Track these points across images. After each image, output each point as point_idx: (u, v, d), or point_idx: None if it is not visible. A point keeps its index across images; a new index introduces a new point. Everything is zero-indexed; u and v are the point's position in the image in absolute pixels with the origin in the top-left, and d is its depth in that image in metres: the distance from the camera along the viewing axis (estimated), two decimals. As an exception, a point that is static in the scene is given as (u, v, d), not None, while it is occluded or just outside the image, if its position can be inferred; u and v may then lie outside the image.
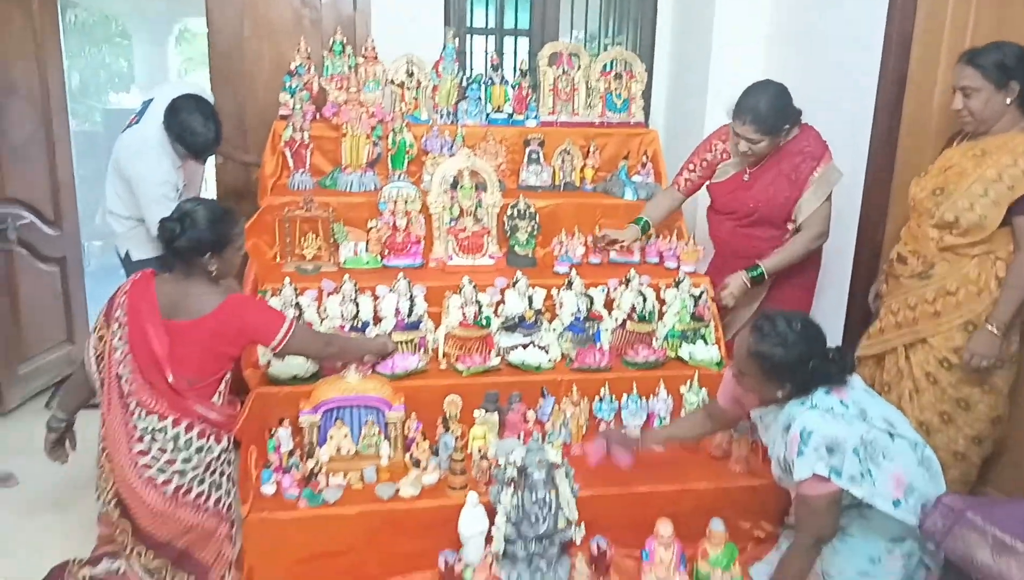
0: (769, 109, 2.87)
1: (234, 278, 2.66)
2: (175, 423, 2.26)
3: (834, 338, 2.87)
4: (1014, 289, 2.45)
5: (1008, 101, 2.47)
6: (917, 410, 2.67)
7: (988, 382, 2.59)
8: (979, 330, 2.51)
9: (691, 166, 3.27)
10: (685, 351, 3.03)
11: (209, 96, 3.48)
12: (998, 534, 1.92)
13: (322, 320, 2.82)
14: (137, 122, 3.22)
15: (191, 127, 3.14)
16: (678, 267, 3.27)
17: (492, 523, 2.43)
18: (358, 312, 2.83)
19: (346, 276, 2.88)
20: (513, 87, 3.73)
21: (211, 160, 3.77)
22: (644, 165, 3.66)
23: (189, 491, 2.30)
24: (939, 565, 2.32)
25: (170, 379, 2.21)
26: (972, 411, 2.62)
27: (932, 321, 2.62)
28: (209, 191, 4.59)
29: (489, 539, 2.43)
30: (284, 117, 3.45)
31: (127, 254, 3.33)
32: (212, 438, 2.35)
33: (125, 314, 2.24)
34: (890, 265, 2.81)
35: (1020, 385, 2.66)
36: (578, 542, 2.49)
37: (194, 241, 2.26)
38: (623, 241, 3.25)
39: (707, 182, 3.26)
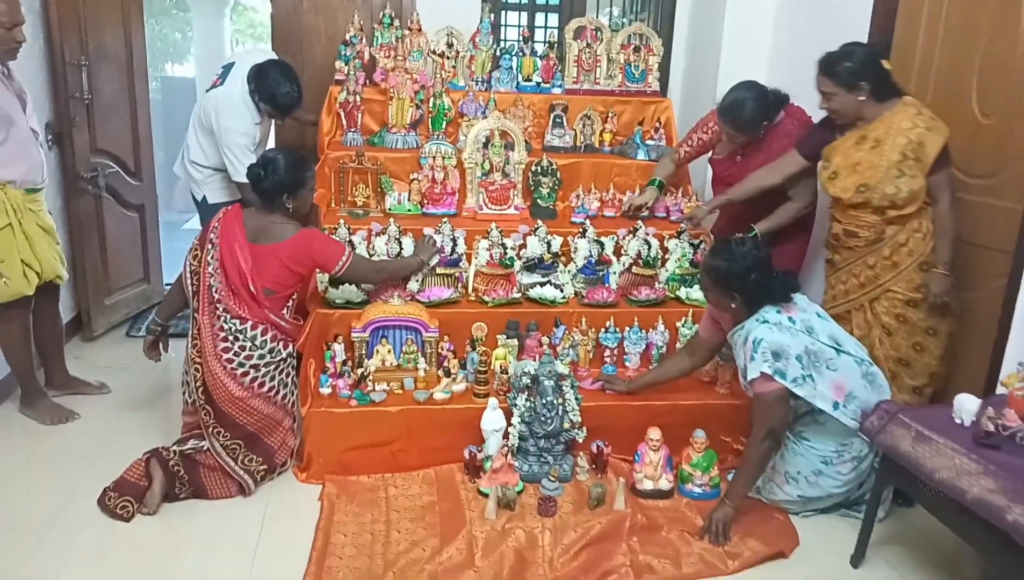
0: (745, 113, 3.27)
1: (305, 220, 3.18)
2: (253, 326, 2.79)
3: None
4: (945, 233, 2.87)
5: (861, 98, 2.89)
6: (893, 349, 3.05)
7: (947, 308, 2.99)
8: (932, 274, 2.91)
9: (689, 142, 3.70)
10: (683, 292, 3.47)
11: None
12: (919, 428, 2.34)
13: (371, 256, 3.30)
14: (221, 83, 3.68)
15: (280, 88, 3.58)
16: (681, 220, 3.69)
17: (509, 423, 2.91)
18: (401, 249, 3.30)
19: (391, 220, 3.36)
20: (542, 58, 4.15)
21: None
22: (657, 130, 4.07)
23: (263, 384, 2.83)
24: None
25: (252, 288, 2.73)
26: (938, 335, 3.01)
27: (892, 271, 3.00)
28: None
29: (506, 436, 2.91)
30: (339, 82, 3.93)
31: (204, 198, 3.84)
32: (280, 343, 2.88)
33: (218, 237, 2.79)
34: (836, 239, 3.15)
35: (973, 316, 3.06)
36: (581, 442, 2.96)
37: (275, 183, 2.83)
38: (647, 203, 3.67)
39: (706, 155, 3.68)
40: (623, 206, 3.74)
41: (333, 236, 3.24)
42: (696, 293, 3.45)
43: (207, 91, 3.73)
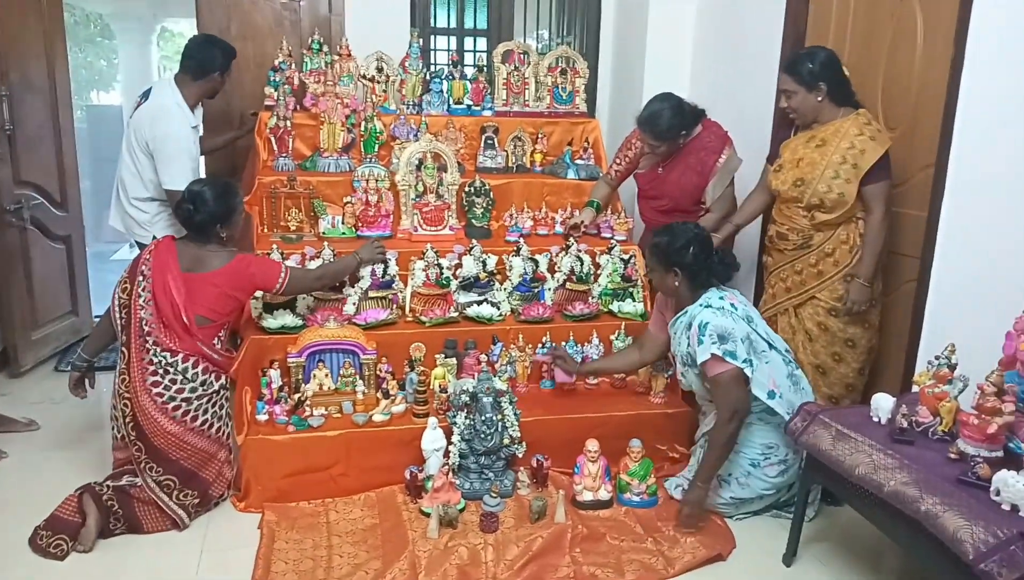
0: (663, 122, 3.41)
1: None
2: (184, 358, 2.76)
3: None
4: (871, 246, 3.00)
5: (820, 99, 3.05)
6: (811, 355, 3.19)
7: (867, 321, 3.13)
8: (852, 283, 3.05)
9: (617, 161, 3.84)
10: (615, 306, 3.56)
11: None
12: (839, 427, 2.45)
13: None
14: (146, 101, 3.63)
15: (216, 44, 3.70)
16: (612, 237, 3.79)
17: (449, 442, 2.94)
18: (336, 273, 3.31)
19: (325, 243, 3.36)
20: (471, 81, 4.23)
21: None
22: (586, 150, 4.17)
23: (196, 418, 2.80)
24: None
25: (185, 319, 2.71)
26: (857, 347, 3.15)
27: (817, 279, 3.14)
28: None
29: (446, 455, 2.93)
30: (269, 108, 3.93)
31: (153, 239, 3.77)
32: (212, 375, 2.85)
33: (151, 269, 2.77)
34: (771, 241, 3.31)
35: (889, 322, 3.21)
36: (520, 457, 3.01)
37: (207, 216, 2.84)
38: (585, 222, 3.76)
39: (633, 172, 3.80)
40: (567, 220, 3.81)
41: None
42: (628, 306, 3.54)
43: (131, 115, 3.69)
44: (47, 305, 4.31)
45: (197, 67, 3.66)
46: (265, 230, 3.64)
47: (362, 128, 3.91)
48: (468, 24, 5.06)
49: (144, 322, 2.74)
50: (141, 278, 2.78)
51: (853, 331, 3.13)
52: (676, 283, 2.89)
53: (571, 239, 3.62)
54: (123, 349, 2.78)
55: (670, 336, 3.08)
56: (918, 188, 3.10)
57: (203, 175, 3.86)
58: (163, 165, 3.52)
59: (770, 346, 2.85)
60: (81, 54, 10.66)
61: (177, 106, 3.61)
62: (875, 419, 2.49)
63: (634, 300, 3.61)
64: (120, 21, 9.39)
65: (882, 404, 2.48)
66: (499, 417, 2.93)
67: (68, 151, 4.44)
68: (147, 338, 2.74)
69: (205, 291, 2.81)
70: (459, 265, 3.47)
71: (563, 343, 3.37)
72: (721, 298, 2.83)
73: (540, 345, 3.36)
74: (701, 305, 2.83)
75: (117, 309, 2.81)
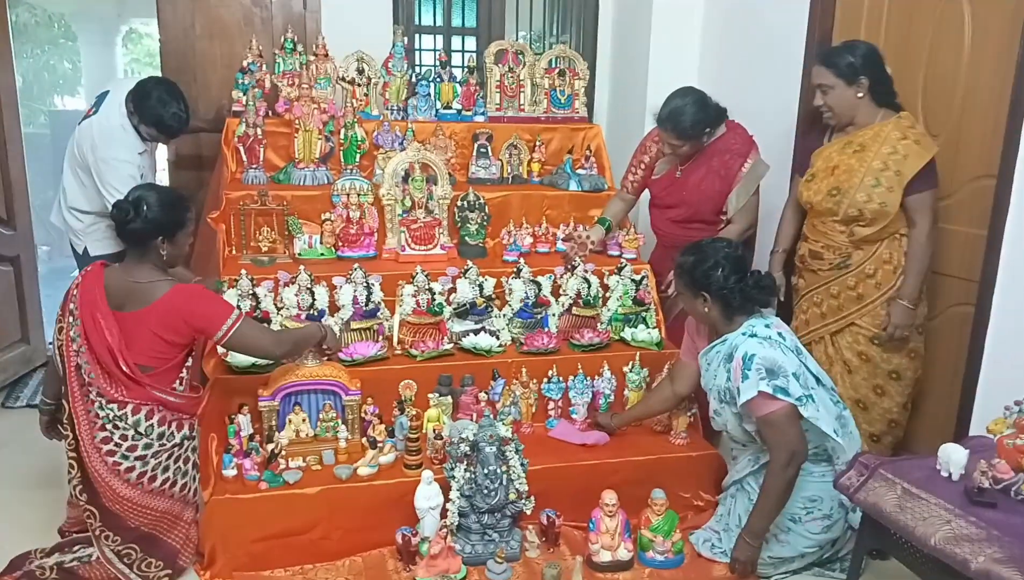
0: (687, 119, 3.04)
1: (185, 267, 2.75)
2: (135, 410, 2.35)
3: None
4: (916, 263, 2.69)
5: (860, 95, 2.72)
6: (852, 389, 2.86)
7: (912, 349, 2.80)
8: (894, 305, 2.72)
9: (633, 169, 3.46)
10: (628, 333, 3.19)
11: None
12: (905, 485, 2.10)
13: (279, 309, 2.90)
14: (95, 112, 3.28)
15: (166, 109, 3.26)
16: (620, 255, 3.43)
17: (446, 498, 2.56)
18: (314, 301, 2.92)
19: (301, 267, 2.97)
20: (461, 84, 3.85)
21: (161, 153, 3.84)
22: (588, 158, 3.81)
23: (154, 478, 2.40)
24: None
25: (123, 367, 2.29)
26: (902, 379, 2.83)
27: (857, 304, 2.81)
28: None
29: (444, 513, 2.55)
30: (237, 114, 3.52)
31: (85, 250, 3.38)
32: (174, 425, 2.45)
33: (78, 306, 2.33)
34: (802, 261, 2.98)
35: (936, 351, 2.89)
36: (529, 513, 2.64)
37: (147, 224, 2.36)
38: (593, 240, 3.36)
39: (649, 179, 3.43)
40: (565, 239, 3.41)
41: (231, 290, 2.83)
42: (642, 334, 3.18)
43: (79, 123, 3.29)
44: (-9, 334, 3.88)
45: (138, 109, 3.29)
46: (233, 252, 3.24)
47: (342, 136, 3.51)
48: (456, 22, 4.68)
49: (82, 370, 2.32)
50: (71, 318, 2.35)
51: (898, 362, 2.80)
52: (706, 309, 2.55)
53: (576, 259, 3.24)
54: (63, 401, 2.36)
55: (699, 364, 2.74)
56: (967, 202, 2.78)
57: None
58: (105, 188, 3.19)
59: (818, 382, 2.50)
60: (43, 56, 10.15)
61: (122, 129, 3.27)
62: (944, 474, 2.14)
63: (648, 326, 3.24)
64: (82, 22, 8.91)
65: (953, 457, 2.13)
66: (504, 469, 2.56)
67: (15, 163, 3.99)
68: (89, 389, 2.32)
69: (140, 334, 2.35)
70: (453, 289, 3.09)
71: (572, 377, 3.00)
72: (767, 326, 2.49)
73: (546, 379, 2.99)
74: (744, 334, 2.47)
75: (55, 352, 2.39)
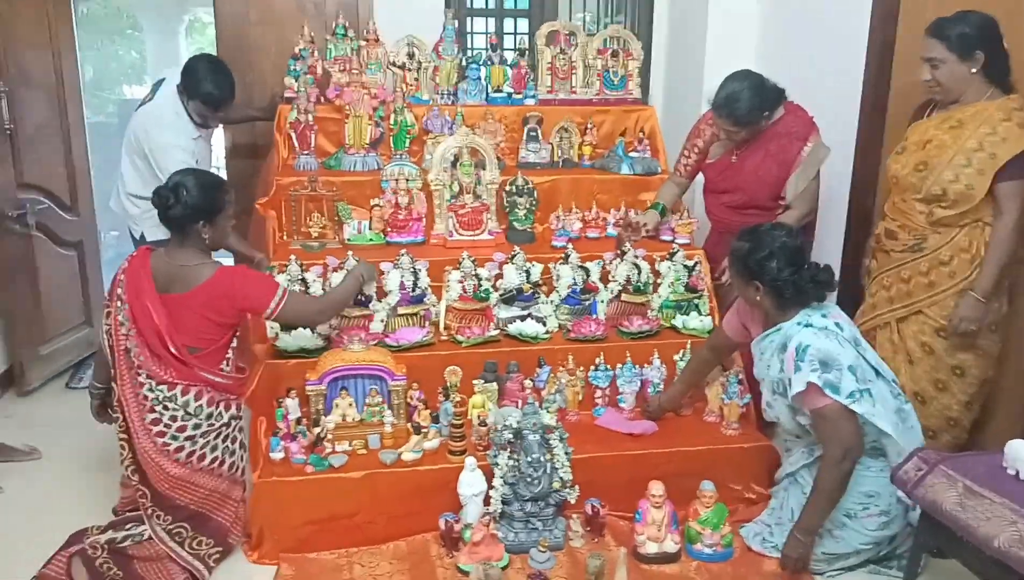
0: (743, 104, 2.93)
1: (243, 240, 2.80)
2: (184, 391, 2.38)
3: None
4: (996, 255, 2.52)
5: (973, 71, 2.53)
6: (911, 381, 2.73)
7: (981, 347, 2.65)
8: (964, 296, 2.57)
9: (686, 152, 3.36)
10: (679, 321, 3.11)
11: None
12: (967, 483, 2.00)
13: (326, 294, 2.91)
14: (151, 99, 3.35)
15: (205, 82, 3.33)
16: (673, 240, 3.34)
17: (490, 485, 2.54)
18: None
19: (350, 252, 2.98)
20: (512, 66, 3.79)
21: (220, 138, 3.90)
22: (641, 141, 3.72)
23: (203, 457, 2.44)
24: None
25: (172, 350, 2.33)
26: (966, 377, 2.69)
27: (927, 291, 2.67)
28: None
29: (487, 500, 2.54)
30: (289, 100, 3.55)
31: (142, 236, 3.45)
32: (221, 405, 2.48)
33: (125, 292, 2.37)
34: (878, 240, 2.85)
35: (1008, 348, 2.72)
36: (573, 502, 2.60)
37: (188, 208, 2.38)
38: (648, 226, 3.28)
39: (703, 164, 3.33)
40: (625, 218, 3.32)
41: (281, 274, 2.86)
42: (693, 321, 3.10)
43: (136, 109, 3.36)
44: (57, 317, 4.00)
45: (185, 87, 3.37)
46: (284, 237, 3.27)
47: (391, 121, 3.50)
48: (508, 4, 4.62)
49: (131, 353, 2.36)
50: (119, 303, 2.38)
51: (963, 357, 2.66)
52: (759, 298, 2.46)
53: (627, 244, 3.17)
54: (114, 384, 2.41)
55: (745, 344, 2.68)
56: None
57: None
58: (162, 174, 3.23)
59: (877, 374, 2.39)
60: (111, 47, 10.45)
61: (175, 115, 3.35)
62: (1011, 472, 2.03)
63: (700, 313, 3.16)
64: (147, 12, 9.13)
65: (1022, 454, 2.01)
66: (548, 457, 2.52)
67: (78, 150, 4.11)
68: (138, 372, 2.37)
69: (186, 316, 2.38)
70: (500, 275, 3.06)
71: (619, 366, 2.94)
72: (824, 317, 2.39)
73: (593, 367, 2.94)
74: (800, 323, 2.38)
75: (104, 337, 2.44)
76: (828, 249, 3.41)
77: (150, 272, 2.39)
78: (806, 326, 2.36)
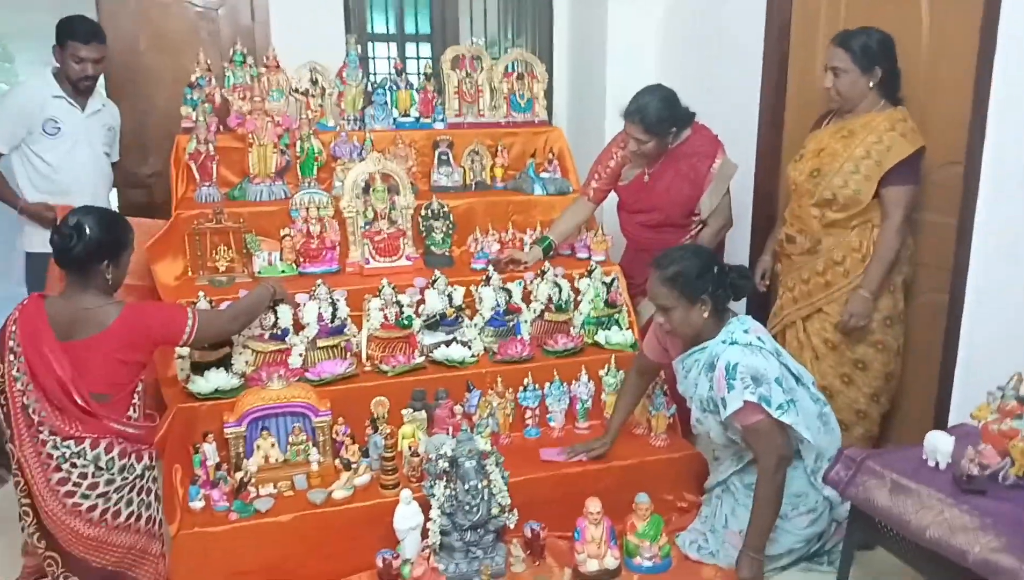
0: (655, 112, 2.99)
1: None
2: (93, 445, 2.20)
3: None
4: (881, 255, 2.69)
5: (871, 84, 2.70)
6: (819, 375, 2.84)
7: (881, 341, 2.79)
8: (853, 294, 2.72)
9: (596, 175, 3.36)
10: (601, 336, 3.14)
11: None
12: (895, 477, 2.08)
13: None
14: None
15: (74, 18, 3.38)
16: (589, 257, 3.37)
17: (427, 517, 2.47)
18: (277, 320, 2.81)
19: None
20: (418, 91, 3.76)
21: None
22: (551, 162, 3.74)
23: (118, 513, 2.26)
24: (846, 514, 2.51)
25: (78, 400, 2.16)
26: (869, 370, 2.83)
27: (824, 290, 2.82)
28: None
29: (425, 533, 2.46)
30: (187, 130, 3.39)
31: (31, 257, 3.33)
32: (133, 456, 2.31)
33: (19, 344, 2.18)
34: (780, 246, 2.99)
35: (908, 343, 2.88)
36: (512, 527, 2.56)
37: (92, 247, 2.22)
38: (526, 262, 3.25)
39: (614, 187, 3.36)
40: (500, 256, 3.27)
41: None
42: (616, 336, 3.13)
43: None
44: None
45: (57, 39, 3.42)
46: (189, 273, 3.11)
47: (297, 149, 3.40)
48: (409, 29, 4.59)
49: (30, 410, 2.16)
50: (12, 356, 2.18)
51: (863, 351, 2.81)
52: (705, 314, 2.47)
53: (547, 265, 3.17)
54: (10, 446, 2.20)
55: (667, 363, 2.71)
56: (935, 190, 2.78)
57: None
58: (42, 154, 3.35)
59: (797, 381, 2.47)
60: (-22, 80, 9.79)
61: (36, 76, 3.52)
62: (931, 463, 2.13)
63: (621, 327, 3.19)
64: (18, 41, 8.60)
65: (940, 445, 2.11)
66: (484, 483, 2.47)
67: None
68: (39, 429, 2.16)
69: (94, 362, 2.21)
70: (421, 301, 3.00)
71: (548, 384, 2.94)
72: (746, 332, 2.44)
73: (522, 388, 2.92)
74: (724, 341, 2.42)
75: None
76: (736, 255, 3.52)
77: (46, 318, 2.20)
78: (731, 344, 2.41)
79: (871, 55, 2.66)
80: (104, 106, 3.61)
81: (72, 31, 3.34)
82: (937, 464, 2.11)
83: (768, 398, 2.32)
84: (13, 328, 2.20)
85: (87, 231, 2.21)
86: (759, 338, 2.44)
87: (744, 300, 3.12)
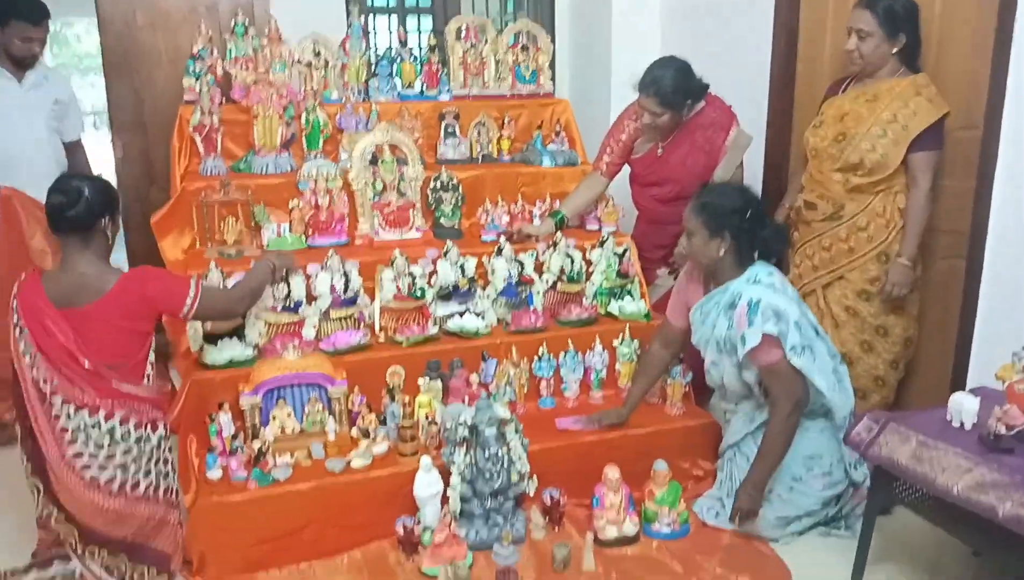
0: (670, 84, 2.96)
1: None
2: (108, 416, 2.16)
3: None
4: (915, 223, 2.68)
5: (894, 50, 2.69)
6: (838, 343, 2.84)
7: (902, 307, 2.80)
8: (893, 263, 2.72)
9: (608, 149, 3.32)
10: (614, 306, 3.13)
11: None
12: (921, 438, 2.08)
13: (253, 302, 2.75)
14: None
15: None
16: (600, 228, 3.36)
17: (446, 484, 2.46)
18: (289, 291, 2.78)
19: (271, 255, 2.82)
20: (423, 63, 3.72)
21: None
22: (558, 134, 3.72)
23: (136, 484, 2.23)
24: (864, 478, 2.52)
25: (86, 365, 2.12)
26: (889, 336, 2.83)
27: (848, 257, 2.81)
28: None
29: (445, 500, 2.46)
30: (190, 102, 3.34)
31: None
32: (148, 427, 2.27)
33: (21, 317, 2.14)
34: (798, 213, 2.97)
35: (925, 307, 2.88)
36: (531, 494, 2.55)
37: (89, 206, 2.16)
38: (538, 235, 3.23)
39: (627, 160, 3.33)
40: (512, 228, 3.26)
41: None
42: (629, 306, 3.12)
43: None
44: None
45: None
46: (198, 246, 3.07)
47: (303, 121, 3.36)
48: (410, 2, 4.54)
49: (42, 383, 2.12)
50: (17, 332, 2.14)
51: (886, 318, 2.81)
52: (722, 251, 2.47)
53: (558, 235, 3.15)
54: (19, 425, 2.18)
55: (691, 322, 2.69)
56: (951, 155, 2.77)
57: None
58: None
59: (816, 334, 2.48)
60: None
61: None
62: (956, 424, 2.13)
63: (633, 298, 3.18)
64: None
65: (966, 406, 2.12)
66: (504, 450, 2.46)
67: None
68: (52, 400, 2.12)
69: (96, 330, 2.15)
70: (434, 272, 2.98)
71: (562, 354, 2.93)
72: (770, 274, 2.45)
73: (536, 358, 2.91)
74: (748, 280, 2.43)
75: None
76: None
77: (43, 291, 2.15)
78: (755, 282, 2.42)
79: (897, 20, 2.64)
80: (47, 78, 3.45)
81: (16, 9, 3.19)
82: (962, 425, 2.11)
83: (786, 335, 2.33)
84: (13, 303, 2.17)
85: (86, 191, 2.16)
86: (783, 281, 2.46)
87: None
